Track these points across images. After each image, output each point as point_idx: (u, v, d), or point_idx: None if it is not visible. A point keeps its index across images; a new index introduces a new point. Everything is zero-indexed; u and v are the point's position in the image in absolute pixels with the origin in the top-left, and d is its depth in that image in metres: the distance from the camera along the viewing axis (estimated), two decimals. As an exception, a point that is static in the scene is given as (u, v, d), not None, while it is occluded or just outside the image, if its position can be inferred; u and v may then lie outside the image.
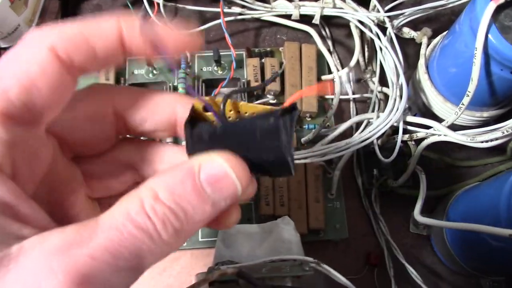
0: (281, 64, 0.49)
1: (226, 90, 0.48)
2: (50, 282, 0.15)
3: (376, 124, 0.40)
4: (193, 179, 0.18)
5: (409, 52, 0.52)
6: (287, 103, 0.20)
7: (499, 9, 0.34)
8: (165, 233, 0.17)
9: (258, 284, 0.31)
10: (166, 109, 0.23)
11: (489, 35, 0.34)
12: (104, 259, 0.16)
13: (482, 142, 0.37)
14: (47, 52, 0.18)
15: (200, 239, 0.45)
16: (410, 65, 0.52)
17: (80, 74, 0.20)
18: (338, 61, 0.52)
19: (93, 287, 0.16)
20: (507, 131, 0.36)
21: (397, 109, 0.41)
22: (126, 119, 0.23)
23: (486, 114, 0.43)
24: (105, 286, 0.16)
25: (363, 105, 0.51)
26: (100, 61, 0.20)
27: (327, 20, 0.53)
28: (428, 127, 0.42)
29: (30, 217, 0.17)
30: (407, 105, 0.47)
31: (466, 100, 0.37)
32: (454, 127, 0.42)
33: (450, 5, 0.48)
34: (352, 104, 0.51)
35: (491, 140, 0.37)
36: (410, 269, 0.44)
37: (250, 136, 0.20)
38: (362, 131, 0.42)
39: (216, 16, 0.50)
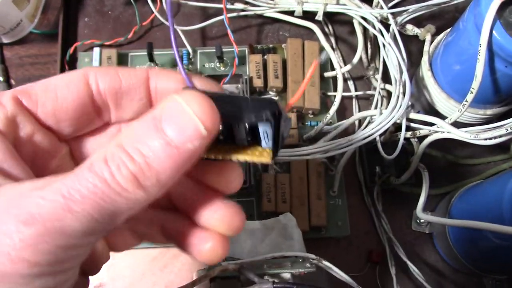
0: (283, 61, 0.49)
1: (228, 87, 0.48)
2: (4, 223, 0.16)
3: (379, 121, 0.40)
4: (154, 122, 0.18)
5: (412, 49, 0.52)
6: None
7: (503, 6, 0.34)
8: (120, 177, 0.17)
9: (258, 280, 0.30)
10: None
11: (494, 32, 0.34)
12: (54, 199, 0.16)
13: (485, 139, 0.37)
14: (79, 76, 0.21)
15: (201, 236, 0.45)
16: (413, 62, 0.51)
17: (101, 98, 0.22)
18: (341, 58, 0.52)
19: (40, 225, 0.16)
20: (510, 128, 0.35)
21: (400, 106, 0.40)
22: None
23: (489, 111, 0.42)
24: (55, 226, 0.16)
25: (366, 102, 0.50)
26: (122, 92, 0.22)
27: (330, 16, 0.53)
28: (431, 124, 0.42)
29: (12, 172, 0.19)
30: (410, 102, 0.47)
31: (470, 97, 0.37)
32: (457, 125, 0.41)
33: (454, 2, 0.48)
34: (354, 101, 0.50)
35: (495, 138, 0.37)
36: (412, 267, 0.44)
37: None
38: (365, 128, 0.42)
39: (218, 12, 0.50)
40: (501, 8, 0.34)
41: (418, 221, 0.47)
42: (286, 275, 0.33)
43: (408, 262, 0.44)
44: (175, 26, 0.49)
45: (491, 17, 0.33)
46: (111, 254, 0.24)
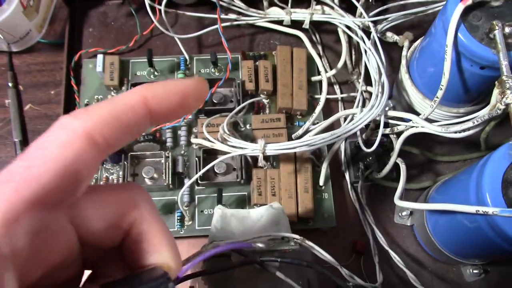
0: (273, 66, 0.53)
1: (222, 90, 0.52)
2: None
3: (359, 117, 0.44)
4: None
5: (394, 55, 0.56)
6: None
7: (468, 10, 0.38)
8: None
9: (248, 255, 0.34)
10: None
11: (459, 34, 0.38)
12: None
13: (455, 132, 0.41)
14: (82, 138, 0.18)
15: (196, 228, 0.48)
16: (394, 68, 0.55)
17: (112, 151, 0.20)
18: (327, 63, 0.56)
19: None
20: (477, 121, 0.39)
21: (379, 104, 0.44)
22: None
23: (462, 110, 0.46)
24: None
25: (351, 105, 0.54)
26: (133, 133, 0.20)
27: (317, 25, 0.57)
28: (407, 120, 0.45)
29: None
30: (392, 104, 0.50)
31: (439, 93, 0.40)
32: (434, 123, 0.45)
33: (431, 11, 0.52)
34: (340, 104, 0.54)
35: (463, 131, 0.40)
36: (395, 256, 0.46)
37: None
38: (347, 124, 0.46)
39: (213, 22, 0.54)
40: (465, 13, 0.38)
41: (400, 214, 0.50)
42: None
43: (391, 252, 0.47)
44: (173, 35, 0.53)
45: (456, 20, 0.37)
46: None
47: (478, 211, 0.34)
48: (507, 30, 0.37)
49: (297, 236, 0.37)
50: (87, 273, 0.22)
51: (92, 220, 0.20)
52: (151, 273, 0.20)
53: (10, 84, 0.55)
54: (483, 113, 0.38)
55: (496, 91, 0.36)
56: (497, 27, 0.36)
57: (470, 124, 0.40)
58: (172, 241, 0.21)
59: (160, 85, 0.20)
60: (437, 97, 0.41)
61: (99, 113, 0.19)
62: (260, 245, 0.33)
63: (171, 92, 0.21)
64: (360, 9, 0.52)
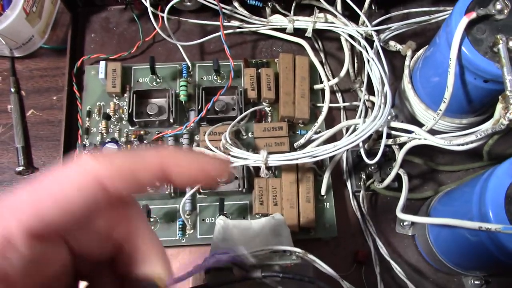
0: (276, 74, 0.53)
1: (224, 98, 0.52)
2: None
3: (362, 128, 0.44)
4: None
5: (397, 64, 0.56)
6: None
7: (472, 24, 0.38)
8: None
9: (249, 269, 0.34)
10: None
11: (463, 47, 0.38)
12: None
13: (458, 145, 0.41)
14: (93, 181, 0.18)
15: (198, 236, 0.48)
16: (397, 76, 0.55)
17: (119, 201, 0.20)
18: (329, 71, 0.56)
19: None
20: (480, 135, 0.39)
21: (382, 115, 0.44)
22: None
23: (464, 121, 0.46)
24: None
25: (353, 113, 0.54)
26: (143, 189, 0.20)
27: (319, 33, 0.56)
28: (410, 132, 0.45)
29: None
30: (394, 113, 0.50)
31: (443, 106, 0.40)
32: (435, 133, 0.45)
33: (434, 20, 0.52)
34: (342, 112, 0.54)
35: (466, 144, 0.40)
36: (396, 267, 0.46)
37: None
38: (350, 135, 0.45)
39: (216, 29, 0.54)
40: (470, 26, 0.38)
41: (401, 224, 0.50)
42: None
43: (392, 263, 0.47)
44: (175, 42, 0.53)
45: (460, 34, 0.37)
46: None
47: (481, 227, 0.34)
48: (511, 44, 0.36)
49: (299, 250, 0.37)
50: (83, 284, 0.23)
51: (84, 235, 0.20)
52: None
53: (12, 90, 0.55)
54: (486, 127, 0.38)
55: (499, 106, 0.36)
56: (501, 41, 0.36)
57: (473, 137, 0.39)
58: (163, 253, 0.22)
59: (184, 157, 0.21)
60: (440, 110, 0.41)
61: (119, 163, 0.19)
62: (252, 259, 0.33)
63: (192, 167, 0.21)
64: (363, 18, 0.52)
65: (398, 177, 0.48)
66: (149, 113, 0.51)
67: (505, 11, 0.37)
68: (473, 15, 0.37)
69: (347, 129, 0.50)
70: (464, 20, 0.37)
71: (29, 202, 0.17)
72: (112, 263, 0.22)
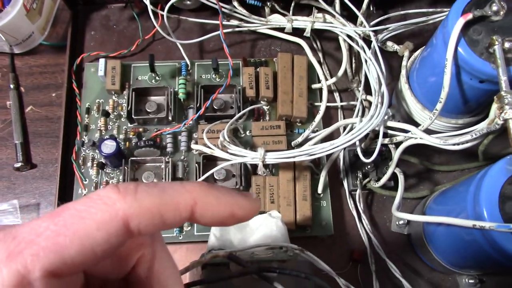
0: (274, 73, 0.53)
1: (223, 96, 0.52)
2: None
3: (359, 127, 0.44)
4: None
5: (394, 64, 0.56)
6: None
7: (468, 25, 0.38)
8: None
9: (246, 265, 0.34)
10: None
11: (459, 48, 0.38)
12: None
13: (453, 144, 0.41)
14: (119, 222, 0.17)
15: (195, 233, 0.48)
16: (394, 76, 0.56)
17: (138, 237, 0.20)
18: (327, 71, 0.56)
19: None
20: (475, 135, 0.39)
21: (378, 114, 0.44)
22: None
23: (460, 121, 0.46)
24: None
25: (350, 112, 0.54)
26: (166, 228, 0.19)
27: (318, 33, 0.57)
28: (406, 131, 0.46)
29: None
30: (391, 113, 0.51)
31: (439, 106, 0.41)
32: (431, 133, 0.45)
33: (431, 22, 0.52)
34: (340, 111, 0.55)
35: (462, 143, 0.40)
36: (391, 265, 0.47)
37: None
38: (346, 134, 0.46)
39: (215, 28, 0.54)
40: (466, 27, 0.38)
41: (397, 223, 0.50)
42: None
43: (387, 261, 0.47)
44: (175, 40, 0.54)
45: (456, 35, 0.37)
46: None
47: (475, 225, 0.34)
48: (506, 45, 0.37)
49: (295, 246, 0.37)
50: None
51: (101, 264, 0.19)
52: None
53: (11, 86, 0.55)
54: (482, 127, 0.39)
55: (494, 106, 0.37)
56: (497, 42, 0.37)
57: (468, 137, 0.40)
58: (180, 280, 0.21)
59: (214, 195, 0.20)
60: (436, 110, 0.41)
61: (147, 205, 0.18)
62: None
63: (221, 207, 0.20)
64: (361, 18, 0.52)
65: (394, 176, 0.49)
66: (148, 110, 0.51)
67: (501, 13, 0.38)
68: (470, 16, 0.37)
69: (344, 128, 0.51)
70: (461, 21, 0.38)
71: (49, 238, 0.16)
72: (124, 282, 0.21)
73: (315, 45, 0.57)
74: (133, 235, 0.18)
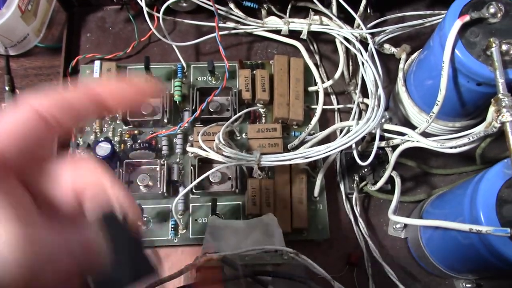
0: (270, 76, 0.53)
1: (219, 99, 0.52)
2: None
3: (355, 130, 0.44)
4: None
5: (391, 67, 0.56)
6: None
7: (465, 27, 0.38)
8: None
9: (240, 268, 0.33)
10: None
11: (456, 50, 0.38)
12: None
13: (451, 148, 0.41)
14: (31, 112, 0.20)
15: (190, 236, 0.48)
16: (391, 79, 0.56)
17: (63, 131, 0.22)
18: (324, 73, 0.56)
19: None
20: (472, 138, 0.39)
21: (375, 117, 0.44)
22: None
23: (458, 124, 0.46)
24: None
25: (347, 115, 0.54)
26: (80, 117, 0.22)
27: (314, 36, 0.57)
28: (403, 134, 0.45)
29: None
30: (388, 116, 0.50)
31: (436, 109, 0.40)
32: (430, 137, 0.45)
33: (428, 24, 0.52)
34: (336, 114, 0.54)
35: (459, 146, 0.40)
36: (388, 269, 0.46)
37: None
38: (343, 136, 0.46)
39: (211, 30, 0.54)
40: (463, 29, 0.38)
41: (394, 226, 0.50)
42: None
43: (384, 265, 0.47)
44: (171, 42, 0.53)
45: (453, 37, 0.37)
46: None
47: (472, 229, 0.34)
48: (504, 47, 0.37)
49: (290, 250, 0.36)
50: None
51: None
52: None
53: (7, 88, 0.55)
54: (479, 130, 0.38)
55: (492, 109, 0.36)
56: (494, 45, 0.37)
57: (465, 140, 0.40)
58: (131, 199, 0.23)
59: (114, 81, 0.23)
60: (433, 112, 0.41)
61: (54, 95, 0.21)
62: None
63: (123, 86, 0.23)
64: (358, 21, 0.52)
65: (391, 180, 0.48)
66: (143, 112, 0.51)
67: (499, 15, 0.37)
68: (467, 18, 0.37)
69: (341, 131, 0.50)
70: (458, 23, 0.37)
71: None
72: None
73: (311, 48, 0.57)
74: (51, 124, 0.20)
